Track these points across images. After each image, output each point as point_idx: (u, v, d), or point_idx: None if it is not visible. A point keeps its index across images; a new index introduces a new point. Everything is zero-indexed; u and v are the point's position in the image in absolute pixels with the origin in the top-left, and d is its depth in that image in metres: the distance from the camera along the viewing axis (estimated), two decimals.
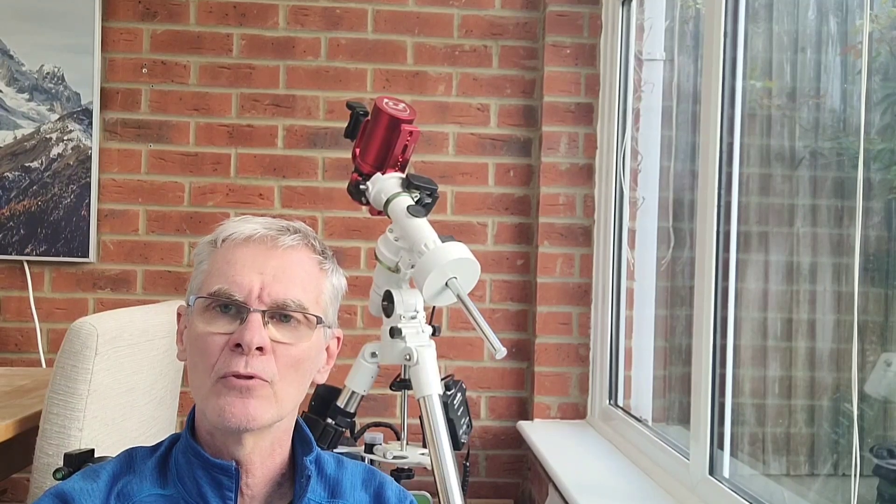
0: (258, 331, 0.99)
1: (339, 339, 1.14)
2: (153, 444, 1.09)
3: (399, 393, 1.63)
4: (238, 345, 0.98)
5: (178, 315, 1.09)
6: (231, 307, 1.01)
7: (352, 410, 1.63)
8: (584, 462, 2.31)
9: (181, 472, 1.03)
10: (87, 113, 2.73)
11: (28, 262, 2.72)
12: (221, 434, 1.01)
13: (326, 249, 1.11)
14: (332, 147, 2.80)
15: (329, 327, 1.09)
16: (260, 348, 0.99)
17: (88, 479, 1.02)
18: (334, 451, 1.55)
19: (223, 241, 1.05)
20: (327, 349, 1.11)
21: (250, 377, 0.99)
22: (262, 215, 1.12)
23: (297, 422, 1.10)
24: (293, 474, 1.07)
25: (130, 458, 1.06)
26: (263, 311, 1.00)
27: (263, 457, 1.04)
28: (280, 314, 1.02)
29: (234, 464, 1.01)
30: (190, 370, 1.04)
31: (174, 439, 1.07)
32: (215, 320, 1.01)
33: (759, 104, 2.25)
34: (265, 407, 1.00)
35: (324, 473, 1.09)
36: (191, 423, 1.05)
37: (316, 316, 1.04)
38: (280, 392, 1.01)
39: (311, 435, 1.09)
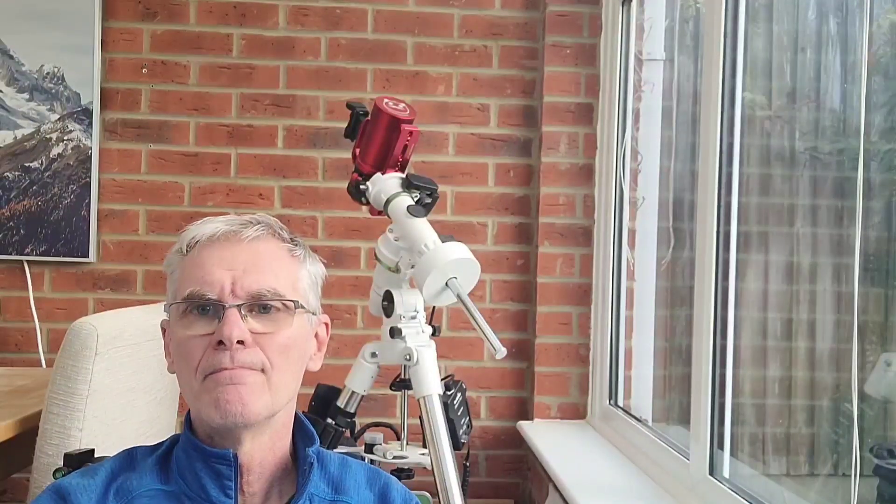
0: (237, 324, 0.99)
1: (327, 324, 1.13)
2: (153, 444, 1.09)
3: (399, 393, 1.63)
4: (220, 342, 0.98)
5: (163, 330, 1.09)
6: (207, 307, 1.01)
7: (352, 410, 1.63)
8: (585, 462, 2.31)
9: (182, 468, 1.03)
10: (87, 113, 2.73)
11: (28, 262, 2.72)
12: (219, 435, 1.01)
13: (296, 238, 1.10)
14: (332, 147, 2.80)
15: (313, 313, 1.09)
16: (241, 342, 0.98)
17: (87, 475, 1.03)
18: (334, 451, 1.55)
19: (188, 246, 1.05)
20: (316, 336, 1.11)
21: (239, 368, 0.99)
22: (223, 214, 1.12)
23: (297, 417, 1.10)
24: (295, 470, 1.07)
25: (131, 457, 1.06)
26: (239, 305, 1.00)
27: (264, 453, 1.04)
28: (257, 305, 1.01)
29: (231, 451, 1.00)
30: (178, 377, 1.04)
31: (175, 439, 1.08)
32: (194, 324, 1.01)
33: (760, 104, 2.25)
34: (258, 394, 0.99)
35: (327, 470, 1.09)
36: (189, 424, 1.05)
37: (293, 301, 1.04)
38: (274, 380, 1.01)
39: (313, 430, 1.09)
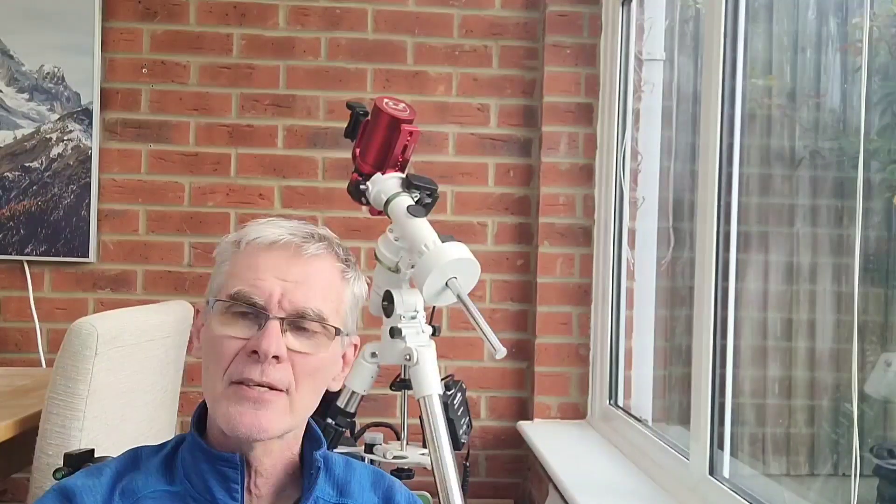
0: (276, 339, 0.98)
1: (356, 345, 1.12)
2: (157, 443, 1.09)
3: (399, 393, 1.63)
4: (254, 352, 0.97)
5: (197, 311, 1.09)
6: (250, 312, 1.00)
7: (352, 410, 1.64)
8: (584, 462, 2.31)
9: (187, 469, 1.02)
10: (87, 113, 2.73)
11: (28, 262, 2.72)
12: (234, 438, 1.01)
13: (350, 256, 1.10)
14: (332, 147, 2.80)
15: (347, 335, 1.08)
16: (276, 357, 0.98)
17: (92, 475, 1.02)
18: (334, 451, 1.55)
19: (247, 243, 1.04)
20: (343, 356, 1.10)
21: (265, 386, 0.98)
22: (281, 216, 1.11)
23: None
24: (301, 472, 1.07)
25: (136, 457, 1.06)
26: (282, 319, 0.99)
27: (274, 458, 1.04)
28: (299, 323, 1.01)
29: (238, 455, 1.00)
30: (203, 370, 1.03)
31: (180, 439, 1.07)
32: (233, 323, 1.00)
33: (759, 103, 2.25)
34: (279, 418, 0.99)
35: (332, 473, 1.09)
36: (196, 422, 1.05)
37: (335, 327, 1.03)
38: (296, 401, 1.01)
39: (320, 432, 1.09)
